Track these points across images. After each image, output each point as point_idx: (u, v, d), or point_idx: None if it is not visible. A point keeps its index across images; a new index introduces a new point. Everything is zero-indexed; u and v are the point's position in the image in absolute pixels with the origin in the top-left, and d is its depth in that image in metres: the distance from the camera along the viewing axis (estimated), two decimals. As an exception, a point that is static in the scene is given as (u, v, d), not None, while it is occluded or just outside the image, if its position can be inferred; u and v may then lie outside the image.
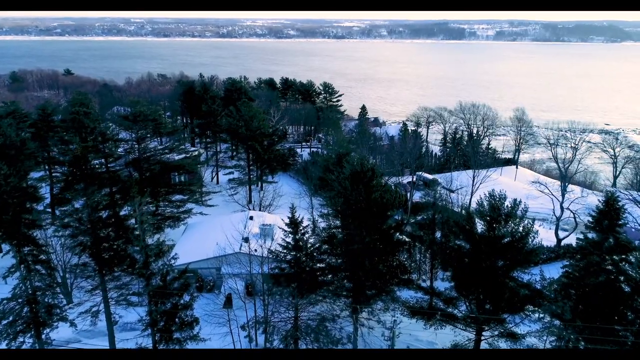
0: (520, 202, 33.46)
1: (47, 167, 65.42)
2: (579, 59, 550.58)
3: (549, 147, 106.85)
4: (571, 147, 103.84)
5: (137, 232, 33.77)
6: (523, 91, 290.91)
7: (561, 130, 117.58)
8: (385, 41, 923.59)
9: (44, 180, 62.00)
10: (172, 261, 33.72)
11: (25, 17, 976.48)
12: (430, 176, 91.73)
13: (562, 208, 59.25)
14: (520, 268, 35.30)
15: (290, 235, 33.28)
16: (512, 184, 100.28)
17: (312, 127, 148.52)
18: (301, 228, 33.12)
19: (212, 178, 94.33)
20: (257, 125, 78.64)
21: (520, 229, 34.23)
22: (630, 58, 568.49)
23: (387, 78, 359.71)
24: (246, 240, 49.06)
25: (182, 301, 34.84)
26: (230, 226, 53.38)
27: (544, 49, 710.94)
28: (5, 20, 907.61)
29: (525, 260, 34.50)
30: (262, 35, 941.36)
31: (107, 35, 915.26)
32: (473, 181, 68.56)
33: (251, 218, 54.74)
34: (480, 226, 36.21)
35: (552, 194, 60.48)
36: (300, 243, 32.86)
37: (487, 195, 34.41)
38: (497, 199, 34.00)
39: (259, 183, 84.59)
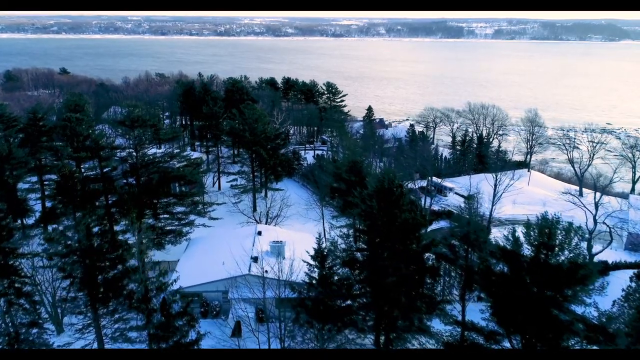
0: (579, 227, 28.98)
1: (38, 176, 60.30)
2: (577, 58, 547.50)
3: (565, 151, 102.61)
4: (587, 150, 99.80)
5: (135, 262, 29.20)
6: (521, 90, 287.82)
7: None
8: (383, 39, 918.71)
9: (34, 192, 57.20)
10: (176, 296, 29.16)
11: (21, 15, 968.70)
12: (450, 185, 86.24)
13: (595, 221, 54.73)
14: (573, 300, 30.98)
15: (315, 269, 28.67)
16: (527, 189, 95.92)
17: (315, 128, 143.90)
18: (329, 261, 28.48)
19: (214, 183, 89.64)
20: (261, 129, 73.97)
21: (574, 256, 29.94)
22: (628, 57, 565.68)
23: (384, 76, 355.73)
24: (255, 260, 44.62)
25: (187, 339, 30.36)
26: (237, 242, 48.81)
27: (542, 48, 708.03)
28: (1, 18, 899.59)
29: (581, 291, 30.17)
30: (260, 34, 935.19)
31: (104, 33, 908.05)
32: (495, 189, 63.83)
33: (259, 233, 50.13)
34: (526, 250, 31.87)
35: (585, 207, 55.98)
36: (328, 279, 28.23)
37: (539, 218, 29.98)
38: (551, 224, 29.56)
39: (264, 190, 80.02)
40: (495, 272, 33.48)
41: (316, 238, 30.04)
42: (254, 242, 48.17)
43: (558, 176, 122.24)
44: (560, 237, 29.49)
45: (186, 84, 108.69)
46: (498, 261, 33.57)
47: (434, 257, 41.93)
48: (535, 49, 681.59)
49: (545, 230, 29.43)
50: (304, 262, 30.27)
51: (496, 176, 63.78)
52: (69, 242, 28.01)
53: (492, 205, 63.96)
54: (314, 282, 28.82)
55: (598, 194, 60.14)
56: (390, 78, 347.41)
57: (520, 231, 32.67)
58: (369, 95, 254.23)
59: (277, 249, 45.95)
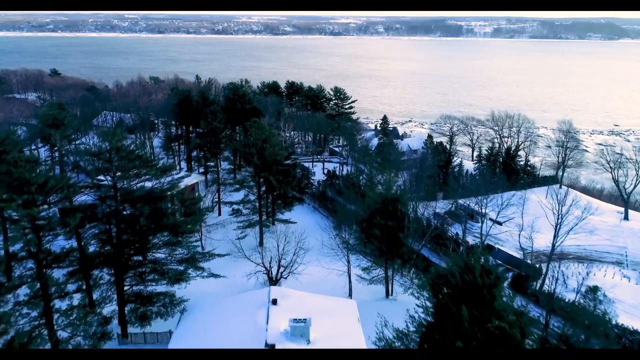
0: None
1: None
2: (576, 57, 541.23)
3: (609, 169, 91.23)
4: (635, 168, 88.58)
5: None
6: (520, 90, 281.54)
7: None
8: (382, 38, 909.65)
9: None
10: None
11: (17, 13, 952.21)
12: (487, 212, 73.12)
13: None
14: None
15: None
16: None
17: (322, 136, 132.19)
18: None
19: (213, 208, 78.05)
20: (270, 151, 62.43)
21: None
22: (627, 56, 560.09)
23: (382, 75, 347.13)
24: (272, 348, 33.26)
25: None
26: (246, 316, 37.45)
27: (541, 47, 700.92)
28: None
29: None
30: (258, 32, 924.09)
31: (101, 32, 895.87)
32: (557, 227, 52.26)
33: (274, 302, 38.57)
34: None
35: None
36: None
37: None
38: None
39: (271, 219, 68.62)
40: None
41: None
42: (268, 316, 36.68)
43: (588, 192, 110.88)
44: None
45: (182, 92, 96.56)
46: None
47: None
48: (534, 48, 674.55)
49: None
50: None
51: (559, 212, 52.38)
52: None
53: (553, 248, 52.70)
54: None
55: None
56: (388, 77, 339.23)
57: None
58: (367, 95, 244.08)
59: (301, 331, 34.62)
